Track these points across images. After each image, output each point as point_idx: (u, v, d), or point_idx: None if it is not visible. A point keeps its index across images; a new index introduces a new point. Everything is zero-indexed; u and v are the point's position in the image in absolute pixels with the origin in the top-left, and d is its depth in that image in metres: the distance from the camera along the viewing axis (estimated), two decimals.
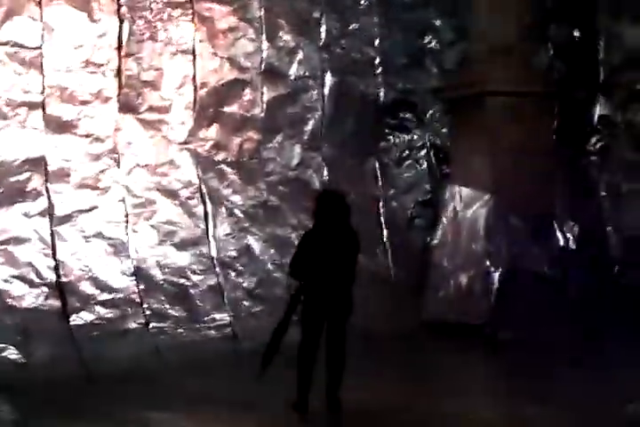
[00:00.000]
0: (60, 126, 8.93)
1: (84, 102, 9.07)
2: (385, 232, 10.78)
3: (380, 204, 10.89)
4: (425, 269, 10.42)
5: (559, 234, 10.07)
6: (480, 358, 8.97)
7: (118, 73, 9.29)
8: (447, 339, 9.59)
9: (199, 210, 9.54)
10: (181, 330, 8.88)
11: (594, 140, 11.92)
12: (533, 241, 9.86)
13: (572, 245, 10.11)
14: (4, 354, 7.88)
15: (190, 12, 9.74)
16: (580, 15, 12.31)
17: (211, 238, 9.50)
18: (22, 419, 6.50)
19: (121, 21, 9.33)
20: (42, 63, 8.86)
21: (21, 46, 8.76)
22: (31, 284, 8.38)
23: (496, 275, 9.62)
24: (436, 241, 10.44)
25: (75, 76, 9.04)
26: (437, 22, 11.69)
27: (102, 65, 9.20)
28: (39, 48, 8.86)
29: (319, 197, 6.94)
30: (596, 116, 11.96)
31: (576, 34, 12.36)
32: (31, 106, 8.79)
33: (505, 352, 8.97)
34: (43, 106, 8.86)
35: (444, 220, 10.39)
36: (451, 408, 6.52)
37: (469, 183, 10.26)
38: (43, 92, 8.87)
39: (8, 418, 6.56)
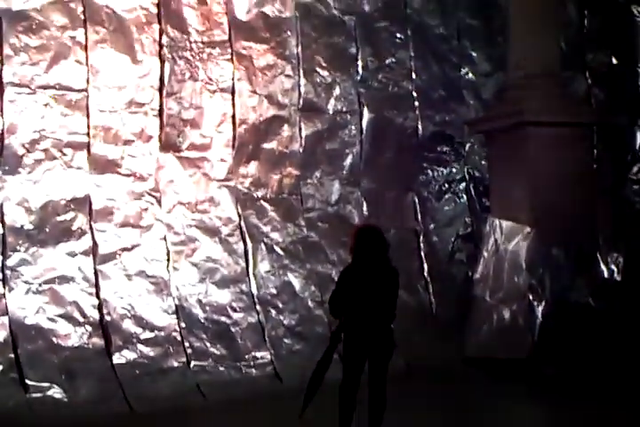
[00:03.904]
0: (103, 166, 9.10)
1: (126, 142, 9.23)
2: (425, 266, 10.79)
3: (421, 238, 10.91)
4: (467, 303, 10.36)
5: (603, 265, 9.95)
6: (525, 394, 8.87)
7: (160, 112, 9.45)
8: (490, 374, 9.52)
9: (239, 247, 9.62)
10: (222, 368, 8.92)
11: (635, 168, 11.84)
12: (577, 273, 9.75)
13: (616, 276, 9.98)
14: (48, 393, 7.97)
15: (229, 50, 9.91)
16: (618, 42, 12.28)
17: (251, 276, 9.56)
18: None
19: (162, 62, 9.50)
20: (87, 105, 9.05)
21: (67, 89, 8.98)
22: (75, 322, 8.49)
23: (539, 308, 9.52)
24: (477, 275, 10.35)
25: (118, 117, 9.21)
26: (473, 53, 11.80)
27: (144, 105, 9.37)
28: (84, 90, 9.06)
29: (357, 232, 6.86)
30: (637, 144, 11.90)
31: (614, 61, 12.33)
32: (76, 146, 8.97)
33: (550, 387, 8.88)
34: (87, 146, 9.03)
35: (485, 253, 10.30)
36: None
37: (510, 216, 10.21)
38: (87, 133, 9.04)
39: None
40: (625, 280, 9.89)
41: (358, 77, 10.76)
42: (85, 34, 9.10)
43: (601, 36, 12.33)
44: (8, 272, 8.39)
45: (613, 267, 9.96)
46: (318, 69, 10.46)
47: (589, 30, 12.39)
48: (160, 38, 9.51)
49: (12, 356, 8.07)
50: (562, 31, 11.29)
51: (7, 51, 8.68)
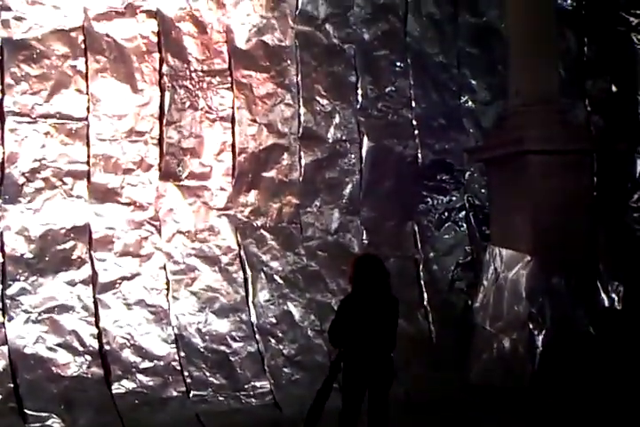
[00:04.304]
0: (103, 195, 9.12)
1: (126, 171, 9.26)
2: (425, 295, 10.73)
3: (420, 266, 10.86)
4: (467, 332, 10.33)
5: (603, 294, 9.93)
6: (525, 423, 8.81)
7: (160, 141, 9.48)
8: (490, 402, 9.46)
9: (239, 276, 9.60)
10: (222, 398, 8.88)
11: (636, 196, 11.85)
12: (577, 302, 9.73)
13: (617, 304, 9.95)
14: (47, 423, 7.95)
15: (229, 79, 9.94)
16: (618, 70, 12.34)
17: (250, 305, 9.53)
18: None
19: (162, 91, 9.54)
20: (87, 134, 9.09)
21: (68, 118, 9.02)
22: (75, 352, 8.48)
23: (540, 337, 9.49)
24: (477, 304, 10.31)
25: (118, 146, 9.24)
26: (473, 82, 11.80)
27: (145, 134, 9.40)
28: (85, 119, 9.11)
29: (356, 262, 6.86)
30: (637, 172, 11.91)
31: (614, 88, 12.37)
32: (76, 175, 9.00)
33: (551, 416, 8.82)
34: (88, 175, 9.06)
35: (485, 282, 10.28)
36: None
37: (510, 244, 10.20)
38: (88, 162, 9.07)
39: None
40: (625, 309, 9.88)
41: (358, 106, 10.76)
42: (86, 63, 9.15)
43: (600, 63, 12.39)
44: (8, 301, 8.42)
45: (614, 295, 9.94)
46: (318, 98, 10.48)
47: (589, 58, 12.44)
48: (160, 67, 9.55)
49: (12, 385, 8.06)
50: (561, 59, 11.34)
51: (8, 80, 8.74)
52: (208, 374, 8.94)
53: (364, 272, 6.56)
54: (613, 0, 12.44)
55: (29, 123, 8.80)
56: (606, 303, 9.89)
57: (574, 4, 12.41)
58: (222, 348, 9.18)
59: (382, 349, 6.44)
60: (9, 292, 8.43)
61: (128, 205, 9.21)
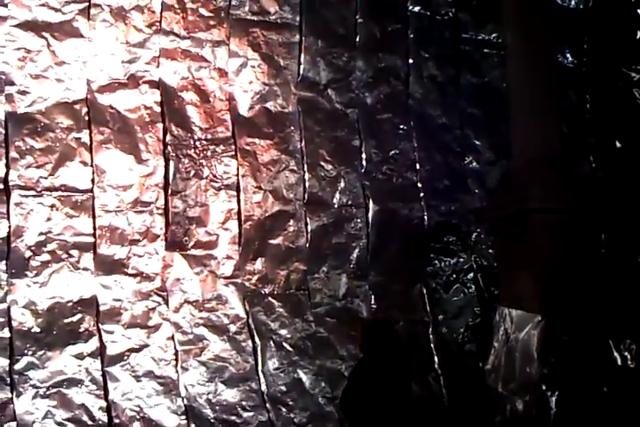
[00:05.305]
0: (110, 266, 9.12)
1: (132, 242, 9.27)
2: (436, 358, 10.62)
3: (430, 329, 10.75)
4: (479, 394, 10.20)
5: (616, 352, 9.81)
6: None
7: (165, 211, 9.51)
8: None
9: (248, 345, 9.51)
10: None
11: None
12: (589, 361, 9.61)
13: (629, 363, 9.82)
14: None
15: (233, 147, 10.01)
16: (621, 126, 12.38)
17: (260, 373, 9.45)
18: None
19: (167, 161, 9.61)
20: (93, 205, 9.15)
21: (73, 190, 9.08)
22: (84, 426, 8.40)
23: (553, 398, 9.35)
24: (488, 365, 10.17)
25: (124, 217, 9.28)
26: (476, 142, 11.83)
27: (150, 204, 9.44)
28: (90, 191, 9.17)
29: (365, 328, 6.82)
30: None
31: (618, 145, 12.39)
32: (82, 247, 9.02)
33: None
34: (94, 247, 9.08)
35: (496, 343, 10.17)
36: None
37: (519, 304, 10.13)
38: (94, 234, 9.11)
39: None
40: (638, 367, 9.75)
41: (362, 170, 10.77)
42: (90, 135, 9.24)
43: (603, 119, 12.44)
44: (16, 377, 8.36)
45: (626, 354, 9.81)
46: (322, 163, 10.52)
47: (591, 114, 12.50)
48: (164, 137, 9.64)
49: None
50: (564, 116, 11.37)
51: (13, 154, 8.83)
52: None
53: (373, 338, 6.52)
54: (614, 56, 12.57)
55: (35, 196, 8.87)
56: (619, 362, 9.76)
57: (575, 62, 12.54)
58: (233, 418, 9.07)
59: (396, 416, 6.35)
60: (17, 367, 8.38)
61: (135, 276, 9.20)
